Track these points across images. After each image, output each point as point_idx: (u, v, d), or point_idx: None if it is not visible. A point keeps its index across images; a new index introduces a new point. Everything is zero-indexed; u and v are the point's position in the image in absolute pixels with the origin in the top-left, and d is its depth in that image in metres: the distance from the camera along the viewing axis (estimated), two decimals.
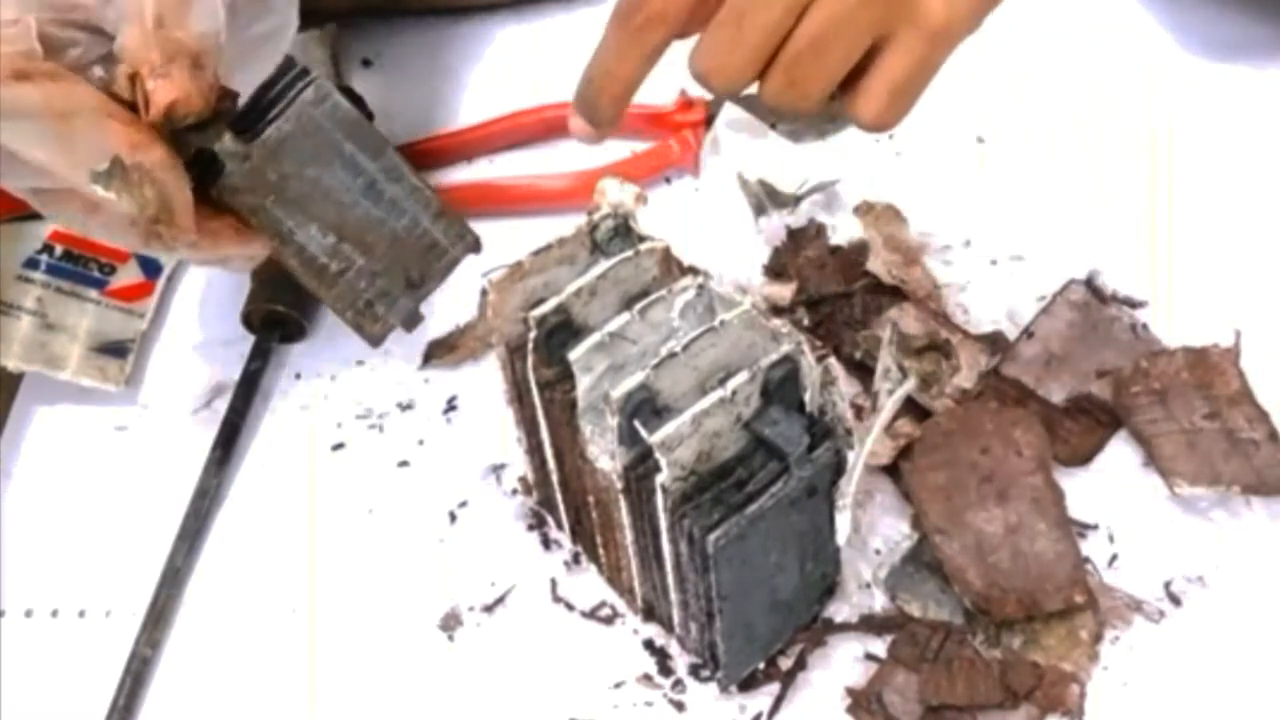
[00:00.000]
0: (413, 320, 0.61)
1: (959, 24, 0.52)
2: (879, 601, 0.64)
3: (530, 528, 0.68)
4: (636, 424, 0.53)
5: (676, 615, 0.61)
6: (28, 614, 0.68)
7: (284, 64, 0.56)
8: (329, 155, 0.56)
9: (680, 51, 0.53)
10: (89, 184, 0.52)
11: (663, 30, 0.52)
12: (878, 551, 0.65)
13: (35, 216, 0.73)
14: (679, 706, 0.62)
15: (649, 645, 0.64)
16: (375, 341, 0.61)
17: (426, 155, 0.80)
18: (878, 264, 0.71)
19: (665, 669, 0.63)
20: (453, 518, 0.68)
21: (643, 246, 0.57)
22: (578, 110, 0.55)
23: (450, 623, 0.65)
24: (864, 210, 0.74)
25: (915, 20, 0.51)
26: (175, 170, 0.54)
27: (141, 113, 0.53)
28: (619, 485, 0.56)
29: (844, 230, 0.75)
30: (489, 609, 0.66)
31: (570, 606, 0.65)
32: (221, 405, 0.72)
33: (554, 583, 0.66)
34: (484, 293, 0.57)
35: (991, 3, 0.53)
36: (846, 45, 0.51)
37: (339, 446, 0.71)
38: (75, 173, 0.52)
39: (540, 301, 0.56)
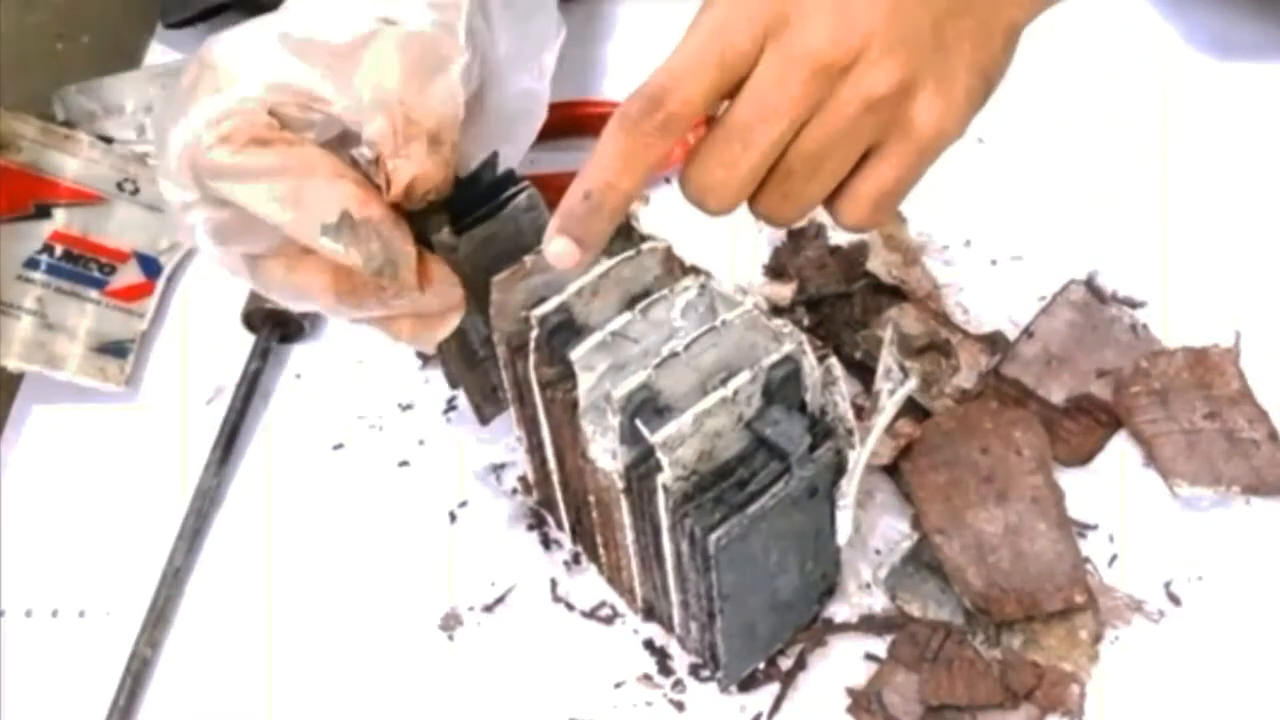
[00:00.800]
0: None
1: (950, 136, 0.52)
2: (879, 601, 0.64)
3: (530, 528, 0.68)
4: (638, 423, 0.53)
5: (677, 615, 0.61)
6: (28, 614, 0.68)
7: (490, 158, 0.58)
8: (515, 259, 0.57)
9: None
10: (318, 238, 0.54)
11: (678, 134, 0.50)
12: (878, 551, 0.65)
13: (35, 216, 0.74)
14: (679, 706, 0.62)
15: (649, 645, 0.64)
16: (485, 421, 0.67)
17: None
18: (878, 264, 0.71)
19: (665, 669, 0.63)
20: (453, 518, 0.68)
21: (644, 246, 0.57)
22: (566, 230, 0.51)
23: (450, 623, 0.65)
24: None
25: (908, 132, 0.51)
26: (400, 226, 0.55)
27: (384, 192, 0.55)
28: (620, 485, 0.56)
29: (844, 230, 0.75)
30: (489, 609, 0.66)
31: (570, 606, 0.65)
32: (221, 405, 0.72)
33: (554, 583, 0.66)
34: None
35: (978, 109, 0.53)
36: (842, 159, 0.51)
37: (339, 446, 0.71)
38: (304, 228, 0.54)
39: (542, 301, 0.56)
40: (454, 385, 0.66)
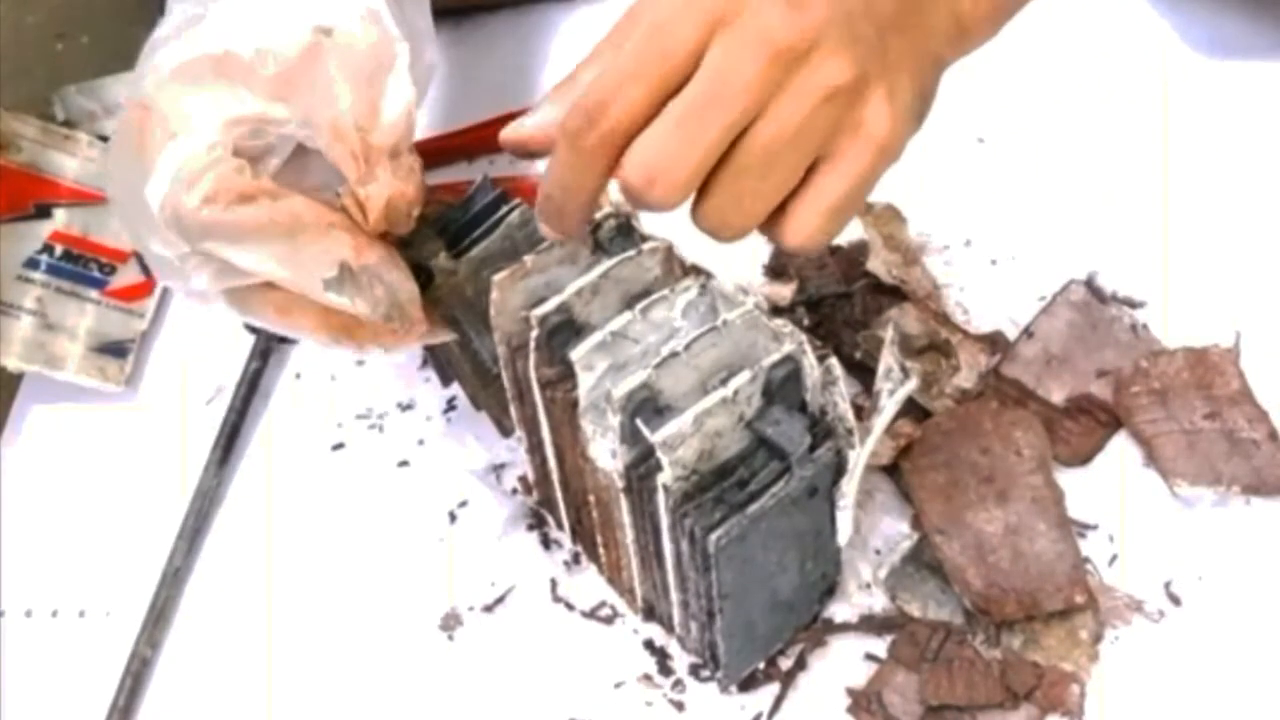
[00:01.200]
0: None
1: (896, 149, 0.49)
2: (879, 601, 0.64)
3: (530, 528, 0.68)
4: (638, 423, 0.53)
5: (677, 615, 0.61)
6: (28, 614, 0.68)
7: (481, 183, 0.59)
8: None
9: None
10: (323, 293, 0.55)
11: (618, 148, 0.48)
12: (878, 551, 0.65)
13: (35, 216, 0.74)
14: (679, 706, 0.62)
15: (649, 645, 0.64)
16: (507, 434, 0.66)
17: (427, 155, 0.79)
18: (878, 264, 0.71)
19: (665, 669, 0.63)
20: (453, 518, 0.68)
21: (645, 246, 0.57)
22: (543, 221, 0.52)
23: (450, 623, 0.65)
24: (864, 210, 0.74)
25: (860, 135, 0.48)
26: (399, 265, 0.56)
27: (363, 222, 0.55)
28: (620, 484, 0.56)
29: (844, 230, 0.74)
30: (489, 609, 0.66)
31: (570, 606, 0.65)
32: (221, 405, 0.72)
33: (554, 583, 0.66)
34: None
35: (914, 133, 0.50)
36: (797, 158, 0.48)
37: (339, 446, 0.71)
38: (307, 284, 0.55)
39: (542, 300, 0.56)
40: (476, 406, 0.67)
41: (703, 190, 0.48)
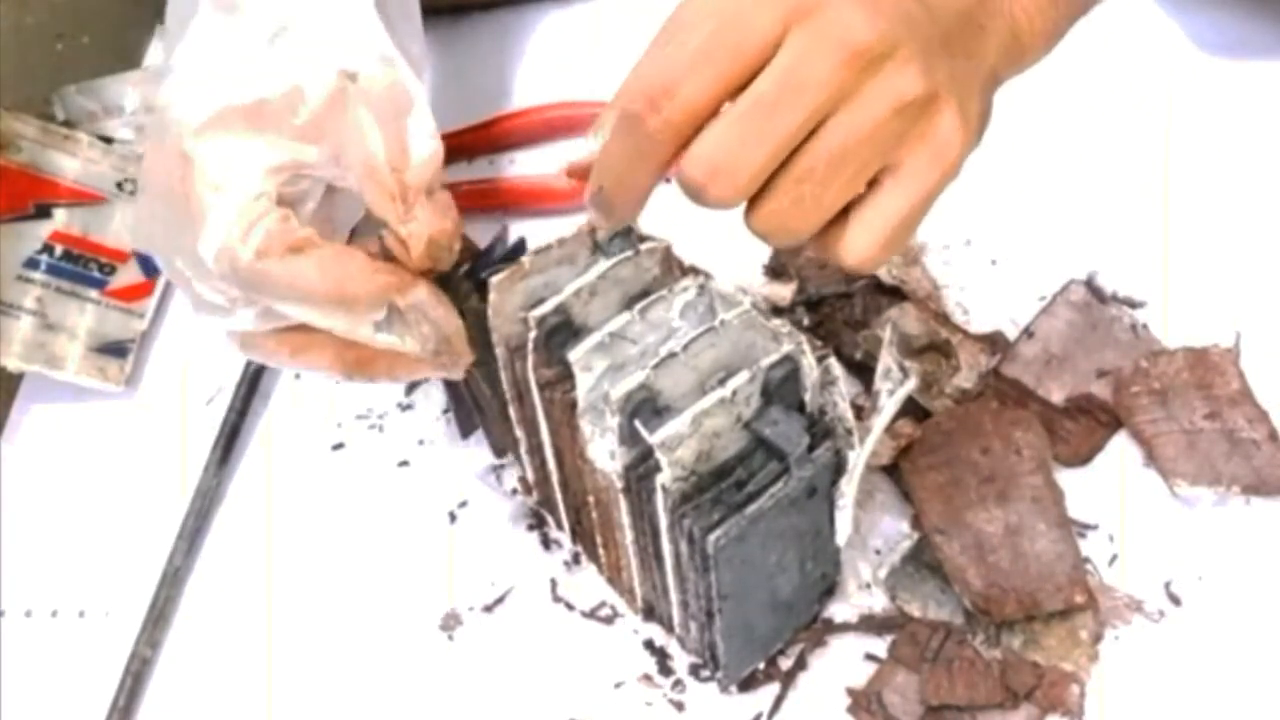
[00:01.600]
0: None
1: (967, 154, 0.48)
2: (879, 601, 0.64)
3: (530, 528, 0.68)
4: (637, 424, 0.53)
5: (676, 615, 0.61)
6: (28, 614, 0.68)
7: (501, 233, 0.60)
8: None
9: None
10: (373, 335, 0.56)
11: (681, 138, 0.46)
12: (878, 551, 0.65)
13: (35, 216, 0.74)
14: (679, 706, 0.62)
15: (649, 645, 0.64)
16: (529, 492, 0.68)
17: None
18: None
19: (665, 669, 0.63)
20: (453, 518, 0.68)
21: (643, 246, 0.57)
22: (593, 210, 0.49)
23: (450, 623, 0.65)
24: None
25: (929, 145, 0.47)
26: (443, 303, 0.57)
27: (407, 260, 0.56)
28: (619, 485, 0.56)
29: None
30: (489, 609, 0.66)
31: (570, 606, 0.65)
32: (221, 405, 0.72)
33: (554, 583, 0.66)
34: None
35: (975, 147, 0.49)
36: (861, 166, 0.46)
37: (339, 446, 0.71)
38: (357, 329, 0.56)
39: (540, 301, 0.56)
40: (499, 453, 0.69)
41: (761, 192, 0.47)
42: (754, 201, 0.47)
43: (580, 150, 0.79)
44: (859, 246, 0.48)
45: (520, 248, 0.60)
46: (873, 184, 0.47)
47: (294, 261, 0.55)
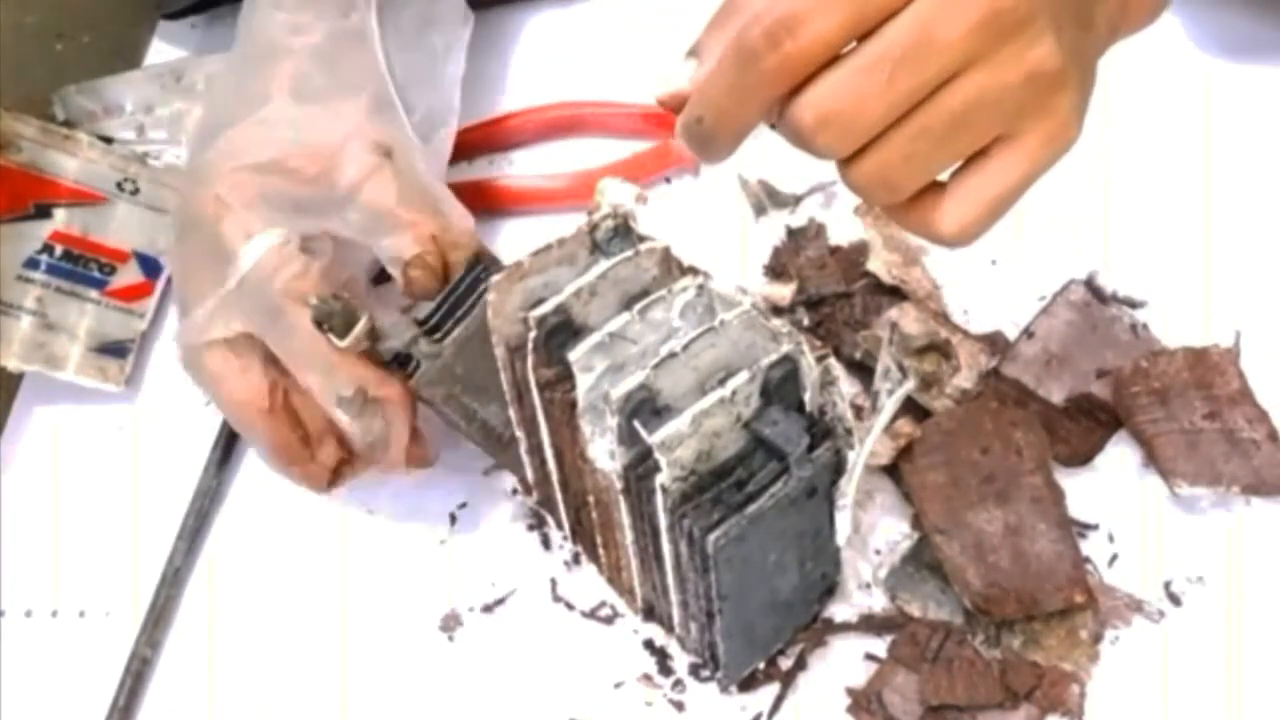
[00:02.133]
0: None
1: (1068, 148, 0.46)
2: (879, 601, 0.64)
3: (530, 528, 0.68)
4: (636, 424, 0.53)
5: (676, 615, 0.61)
6: (28, 614, 0.68)
7: (472, 263, 0.62)
8: None
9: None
10: (333, 405, 0.60)
11: (796, 77, 0.43)
12: (878, 551, 0.65)
13: (35, 216, 0.74)
14: (679, 706, 0.62)
15: (649, 645, 0.64)
16: (530, 493, 0.68)
17: None
18: (878, 264, 0.71)
19: (665, 669, 0.63)
20: (453, 519, 0.68)
21: (643, 246, 0.57)
22: (686, 141, 0.47)
23: (450, 623, 0.65)
24: (864, 210, 0.74)
25: (1051, 120, 0.45)
26: (405, 411, 0.61)
27: (432, 280, 0.61)
28: (619, 485, 0.56)
29: (844, 230, 0.75)
30: (489, 609, 0.66)
31: (570, 606, 0.65)
32: None
33: (554, 583, 0.66)
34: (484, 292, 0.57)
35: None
36: (981, 132, 0.45)
37: None
38: (326, 392, 0.60)
39: (540, 301, 0.56)
40: (500, 466, 0.69)
41: (870, 144, 0.44)
42: (859, 152, 0.45)
43: (579, 151, 0.79)
44: (958, 216, 0.46)
45: (481, 276, 0.61)
46: (980, 154, 0.46)
47: (302, 314, 0.59)
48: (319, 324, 0.58)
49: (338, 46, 0.66)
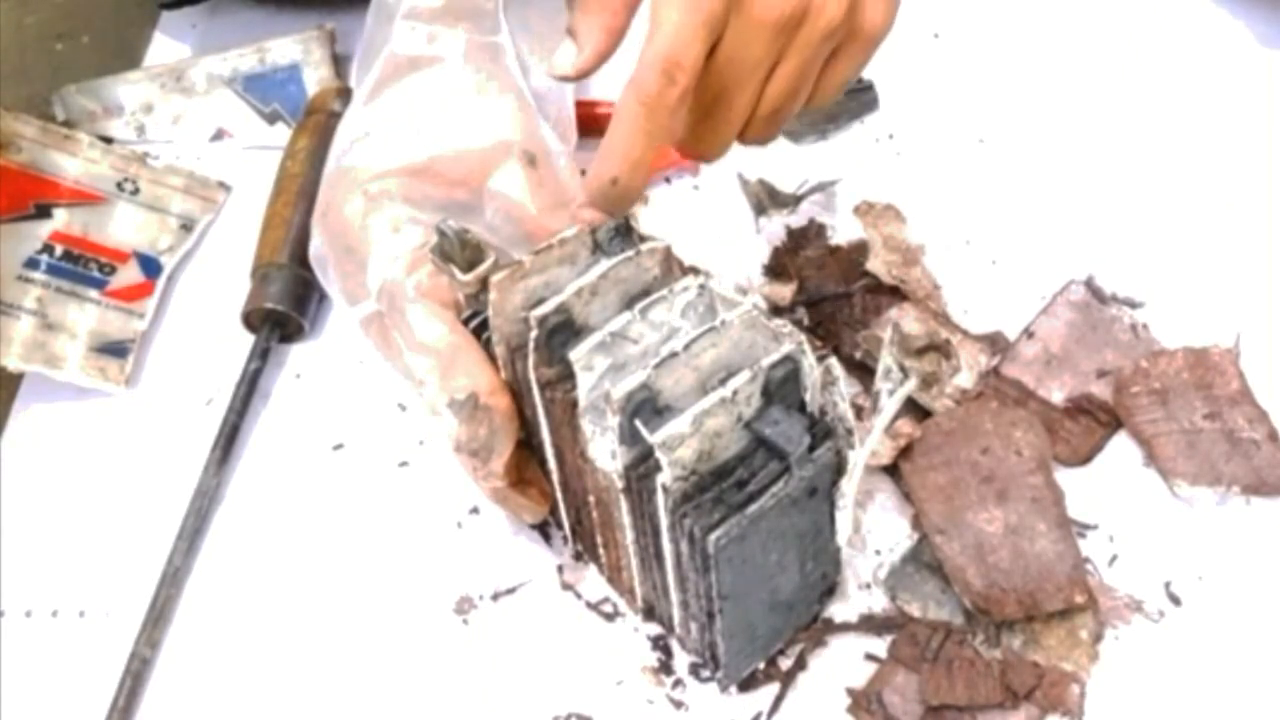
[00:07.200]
0: None
1: (889, 26, 0.55)
2: (879, 601, 0.64)
3: (532, 528, 0.68)
4: (637, 423, 0.53)
5: (677, 615, 0.61)
6: (28, 614, 0.68)
7: None
8: None
9: None
10: (444, 405, 0.61)
11: (687, 101, 0.52)
12: (878, 551, 0.65)
13: (35, 216, 0.74)
14: (679, 706, 0.62)
15: (656, 641, 0.64)
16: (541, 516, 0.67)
17: None
18: (878, 264, 0.71)
19: (666, 669, 0.63)
20: (453, 519, 0.68)
21: (644, 246, 0.57)
22: (601, 207, 0.55)
23: (450, 623, 0.65)
24: (864, 210, 0.74)
25: (858, 38, 0.55)
26: (512, 423, 0.61)
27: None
28: (620, 485, 0.56)
29: (844, 230, 0.75)
30: (493, 600, 0.65)
31: (578, 595, 0.65)
32: (221, 405, 0.72)
33: (554, 582, 0.66)
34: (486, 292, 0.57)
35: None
36: (810, 80, 0.55)
37: (339, 446, 0.71)
38: (440, 394, 0.61)
39: (541, 301, 0.56)
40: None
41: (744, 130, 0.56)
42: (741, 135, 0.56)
43: (578, 151, 0.79)
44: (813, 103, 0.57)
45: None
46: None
47: (431, 316, 0.61)
48: (444, 256, 0.59)
49: (478, 56, 0.69)
